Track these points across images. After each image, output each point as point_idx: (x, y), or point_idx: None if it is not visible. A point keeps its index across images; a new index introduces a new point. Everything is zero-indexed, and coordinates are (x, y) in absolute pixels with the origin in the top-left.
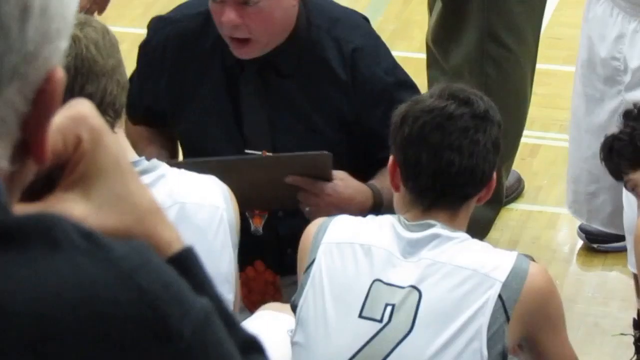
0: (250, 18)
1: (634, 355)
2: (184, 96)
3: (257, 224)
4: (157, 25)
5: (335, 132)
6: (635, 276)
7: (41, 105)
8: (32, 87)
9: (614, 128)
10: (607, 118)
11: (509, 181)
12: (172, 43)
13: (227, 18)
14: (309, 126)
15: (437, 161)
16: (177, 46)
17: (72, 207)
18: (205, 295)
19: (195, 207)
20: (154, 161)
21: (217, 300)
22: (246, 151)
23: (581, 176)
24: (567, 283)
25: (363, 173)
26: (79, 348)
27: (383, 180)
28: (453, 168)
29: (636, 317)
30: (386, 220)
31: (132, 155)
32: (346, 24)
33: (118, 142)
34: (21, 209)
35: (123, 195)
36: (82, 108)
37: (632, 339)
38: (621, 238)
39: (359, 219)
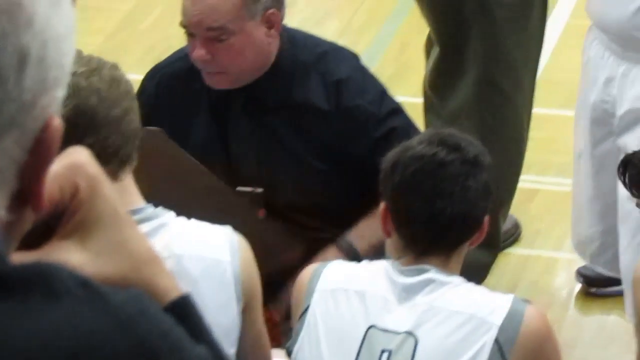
0: (221, 54)
1: None
2: (176, 136)
3: None
4: (149, 74)
5: (324, 163)
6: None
7: (38, 154)
8: (30, 136)
9: (607, 173)
10: (600, 161)
11: (506, 226)
12: (163, 89)
13: (198, 54)
14: (297, 159)
15: (429, 209)
16: (167, 91)
17: (70, 255)
18: (203, 343)
19: (193, 261)
20: (159, 210)
21: (214, 348)
22: (237, 189)
23: (582, 218)
24: (565, 328)
25: (361, 206)
26: None
27: (364, 228)
28: (445, 215)
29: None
30: (380, 266)
31: (138, 201)
32: (332, 57)
33: (116, 190)
34: (19, 257)
35: (120, 243)
36: (78, 156)
37: None
38: (620, 282)
39: (353, 264)
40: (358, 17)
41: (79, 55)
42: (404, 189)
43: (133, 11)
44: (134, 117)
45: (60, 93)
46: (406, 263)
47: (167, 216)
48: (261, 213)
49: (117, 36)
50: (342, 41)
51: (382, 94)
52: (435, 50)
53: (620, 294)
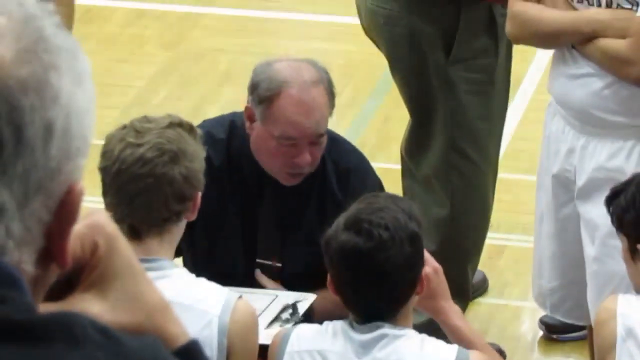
0: (316, 154)
1: None
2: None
3: None
4: None
5: None
6: None
7: (62, 216)
8: (55, 199)
9: (569, 234)
10: (561, 224)
11: (475, 279)
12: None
13: (306, 160)
14: (312, 240)
15: (360, 290)
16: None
17: (90, 306)
18: None
19: (180, 308)
20: (165, 262)
21: None
22: (257, 260)
23: (543, 273)
24: None
25: None
26: None
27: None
28: (374, 299)
29: None
30: (338, 326)
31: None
32: (340, 145)
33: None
34: (44, 307)
35: (135, 295)
36: (98, 217)
37: None
38: (578, 329)
39: (317, 327)
40: (345, 94)
41: None
42: (335, 275)
43: (146, 88)
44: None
45: (82, 161)
46: (361, 321)
47: (175, 270)
48: (274, 262)
49: (132, 110)
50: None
51: (379, 182)
52: (410, 120)
53: (578, 339)
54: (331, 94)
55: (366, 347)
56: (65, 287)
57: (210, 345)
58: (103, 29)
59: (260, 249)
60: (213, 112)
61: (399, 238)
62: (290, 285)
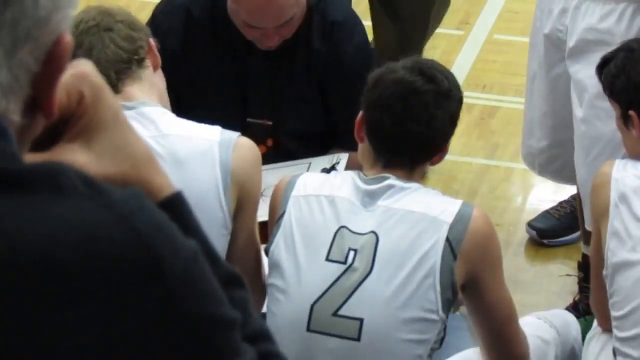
0: (287, 31)
1: (577, 294)
2: (193, 63)
3: None
4: (164, 7)
5: (319, 95)
6: (582, 222)
7: (50, 66)
8: (43, 49)
9: (559, 93)
10: (552, 82)
11: None
12: (182, 20)
13: (272, 42)
14: (301, 94)
15: (398, 128)
16: (186, 22)
17: (75, 156)
18: (192, 235)
19: (180, 139)
20: (150, 104)
21: (203, 242)
22: (248, 120)
23: (533, 133)
24: (519, 229)
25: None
26: (78, 285)
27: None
28: (411, 136)
29: (580, 260)
30: (347, 175)
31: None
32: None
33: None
34: (30, 157)
35: (120, 145)
36: (84, 67)
37: (576, 280)
38: (567, 232)
39: (324, 175)
40: None
41: None
42: (379, 106)
43: None
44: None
45: (71, 12)
46: (373, 173)
47: (163, 111)
48: (269, 142)
49: None
50: None
51: (366, 40)
52: None
53: (569, 243)
54: None
55: (372, 196)
56: (50, 137)
57: (213, 176)
58: None
59: (250, 108)
60: None
61: (454, 93)
62: (282, 144)
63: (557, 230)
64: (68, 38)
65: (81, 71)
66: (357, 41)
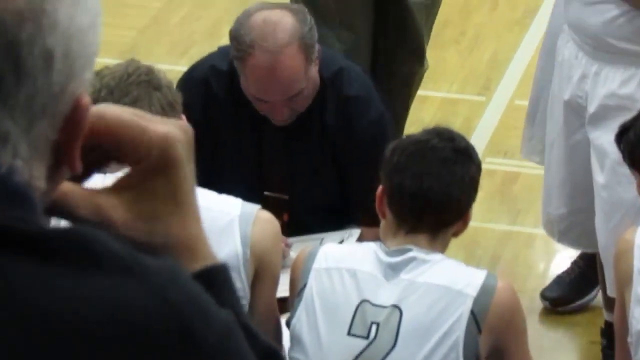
0: (296, 104)
1: None
2: (211, 136)
3: None
4: (188, 79)
5: (335, 172)
6: (603, 288)
7: (70, 132)
8: (61, 117)
9: (578, 160)
10: (571, 149)
11: None
12: (205, 93)
13: (282, 116)
14: (318, 169)
15: (418, 185)
16: (207, 95)
17: (114, 210)
18: (229, 307)
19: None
20: None
21: (239, 314)
22: (265, 193)
23: (552, 200)
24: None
25: (362, 207)
26: (109, 355)
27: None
28: (431, 192)
29: (603, 327)
30: (369, 247)
31: None
32: (346, 74)
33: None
34: (68, 187)
35: (169, 228)
36: (178, 133)
37: (600, 346)
38: (580, 296)
39: (346, 247)
40: None
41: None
42: (398, 168)
43: (163, 8)
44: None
45: (88, 75)
46: (394, 244)
47: None
48: (285, 217)
49: (149, 31)
50: None
51: (383, 113)
52: None
53: (582, 306)
54: (308, 48)
55: (394, 269)
56: (96, 157)
57: (231, 248)
58: None
59: (267, 181)
60: None
61: (474, 155)
62: (298, 218)
63: (570, 295)
64: (86, 100)
65: (175, 135)
66: (372, 117)
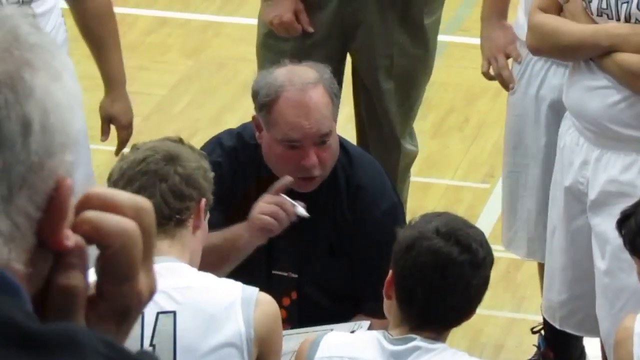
0: (324, 156)
1: None
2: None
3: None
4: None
5: (346, 255)
6: None
7: (52, 212)
8: (42, 195)
9: (579, 246)
10: (572, 235)
11: None
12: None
13: (313, 161)
14: (328, 251)
15: (430, 297)
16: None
17: (106, 333)
18: None
19: (197, 291)
20: (176, 260)
21: None
22: (274, 272)
23: (553, 286)
24: None
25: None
26: None
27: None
28: (444, 305)
29: None
30: (372, 335)
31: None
32: (356, 160)
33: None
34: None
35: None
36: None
37: None
38: None
39: (348, 335)
40: None
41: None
42: (412, 274)
43: (167, 96)
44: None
45: (68, 157)
46: (399, 334)
47: (186, 267)
48: (293, 295)
49: (153, 118)
50: (352, 125)
51: (395, 204)
52: None
53: None
54: (333, 93)
55: (398, 357)
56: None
57: (234, 329)
58: (125, 37)
59: (276, 260)
60: (233, 121)
61: (488, 260)
62: (307, 296)
63: None
64: (68, 182)
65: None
66: (384, 207)
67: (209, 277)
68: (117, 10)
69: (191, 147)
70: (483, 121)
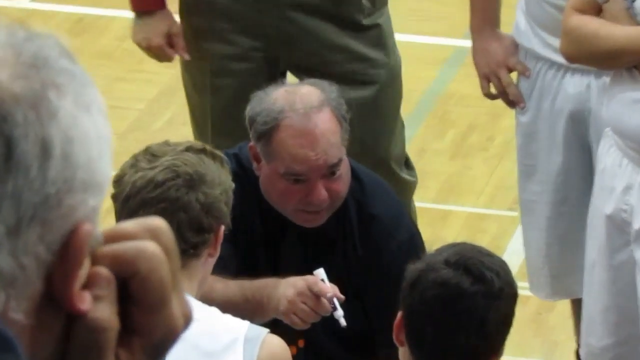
0: (333, 187)
1: None
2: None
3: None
4: None
5: (358, 295)
6: None
7: (65, 259)
8: (56, 237)
9: (623, 284)
10: (614, 271)
11: None
12: None
13: (321, 197)
14: (338, 286)
15: (443, 339)
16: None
17: None
18: None
19: (202, 327)
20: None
21: None
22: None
23: (594, 330)
24: None
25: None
26: None
27: None
28: (459, 347)
29: None
30: None
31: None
32: (367, 187)
33: None
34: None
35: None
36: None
37: None
38: None
39: None
40: None
41: None
42: (419, 312)
43: (146, 111)
44: None
45: (91, 201)
46: None
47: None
48: (301, 343)
49: (130, 136)
50: None
51: (413, 235)
52: None
53: None
54: (341, 116)
55: None
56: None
57: None
58: (97, 43)
59: None
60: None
61: (507, 292)
62: (314, 345)
63: None
64: (86, 228)
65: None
66: (401, 239)
67: (212, 313)
68: (87, 11)
69: (213, 156)
70: (510, 139)
